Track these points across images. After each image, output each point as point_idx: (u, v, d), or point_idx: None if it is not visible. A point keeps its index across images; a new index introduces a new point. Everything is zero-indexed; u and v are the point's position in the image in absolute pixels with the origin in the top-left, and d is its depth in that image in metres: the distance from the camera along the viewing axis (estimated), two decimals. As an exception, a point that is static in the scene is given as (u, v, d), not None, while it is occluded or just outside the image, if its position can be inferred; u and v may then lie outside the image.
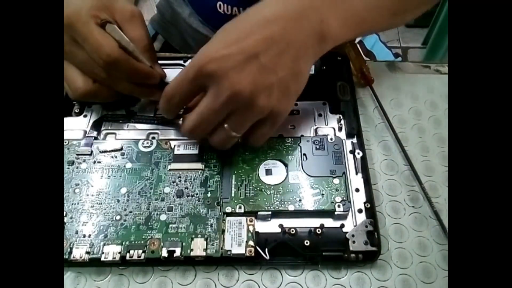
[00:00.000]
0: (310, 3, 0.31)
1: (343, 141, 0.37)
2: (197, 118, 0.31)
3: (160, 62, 0.43)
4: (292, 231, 0.33)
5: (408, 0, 0.35)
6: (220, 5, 0.49)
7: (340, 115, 0.39)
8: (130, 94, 0.37)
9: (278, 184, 0.35)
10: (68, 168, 0.36)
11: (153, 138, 0.38)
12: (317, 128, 0.39)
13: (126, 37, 0.34)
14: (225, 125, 0.32)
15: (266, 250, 0.32)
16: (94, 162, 0.36)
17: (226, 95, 0.29)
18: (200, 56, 0.30)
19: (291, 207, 0.33)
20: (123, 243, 0.32)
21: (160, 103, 0.34)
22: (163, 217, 0.33)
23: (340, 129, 0.39)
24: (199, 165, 0.36)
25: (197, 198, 0.34)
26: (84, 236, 0.32)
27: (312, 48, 0.32)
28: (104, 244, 0.32)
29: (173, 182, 0.35)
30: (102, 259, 0.31)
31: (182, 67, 0.43)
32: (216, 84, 0.30)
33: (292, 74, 0.31)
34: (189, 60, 0.43)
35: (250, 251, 0.31)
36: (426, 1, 0.39)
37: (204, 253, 0.31)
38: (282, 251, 0.33)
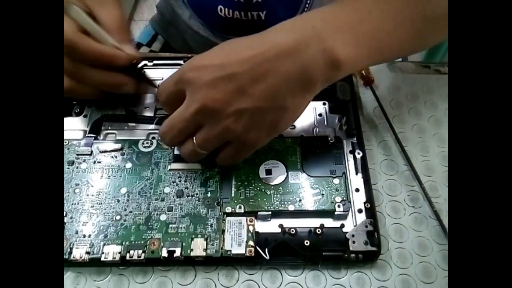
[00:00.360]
0: (312, 32, 0.29)
1: (343, 141, 0.37)
2: (168, 123, 0.31)
3: (160, 62, 0.43)
4: (292, 231, 0.33)
5: (427, 23, 0.33)
6: (221, 8, 0.48)
7: (340, 115, 0.39)
8: (101, 86, 0.36)
9: (278, 184, 0.35)
10: (68, 168, 0.36)
11: (153, 138, 0.38)
12: (317, 128, 0.39)
13: (89, 19, 0.33)
14: (193, 138, 0.31)
15: (266, 250, 0.32)
16: (94, 162, 0.36)
17: (195, 106, 0.29)
18: (188, 61, 0.31)
19: (291, 207, 0.33)
20: (123, 243, 0.32)
21: None
22: (163, 217, 0.33)
23: (340, 129, 0.39)
24: (199, 165, 0.36)
25: (197, 198, 0.34)
26: (84, 236, 0.32)
27: (305, 83, 0.30)
28: (104, 244, 0.32)
29: (173, 182, 0.35)
30: (102, 259, 0.31)
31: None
32: (191, 94, 0.30)
33: (272, 106, 0.29)
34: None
35: (250, 251, 0.31)
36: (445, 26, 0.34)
37: (204, 253, 0.31)
38: (282, 251, 0.33)
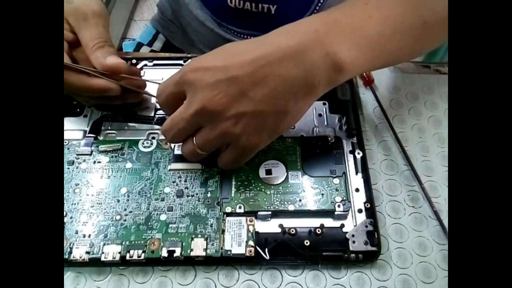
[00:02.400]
0: (315, 36, 0.29)
1: (343, 141, 0.37)
2: (170, 122, 0.32)
3: (160, 62, 0.43)
4: (292, 231, 0.33)
5: (426, 29, 0.33)
6: (230, 0, 0.48)
7: (340, 115, 0.39)
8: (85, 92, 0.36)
9: (278, 184, 0.35)
10: (68, 168, 0.36)
11: (153, 138, 0.38)
12: (317, 128, 0.39)
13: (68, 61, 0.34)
14: (194, 139, 0.32)
15: (266, 250, 0.32)
16: (94, 162, 0.36)
17: (195, 108, 0.29)
18: (189, 62, 0.31)
19: (291, 207, 0.33)
20: (123, 243, 0.32)
21: None
22: (163, 217, 0.33)
23: (340, 129, 0.39)
24: (199, 165, 0.36)
25: (197, 198, 0.34)
26: (84, 236, 0.32)
27: (307, 87, 0.29)
28: (104, 244, 0.32)
29: (173, 182, 0.35)
30: (102, 259, 0.31)
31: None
32: (191, 95, 0.30)
33: (273, 110, 0.29)
34: (189, 60, 0.43)
35: (250, 251, 0.31)
36: (445, 30, 0.34)
37: (204, 253, 0.31)
38: (282, 251, 0.33)
